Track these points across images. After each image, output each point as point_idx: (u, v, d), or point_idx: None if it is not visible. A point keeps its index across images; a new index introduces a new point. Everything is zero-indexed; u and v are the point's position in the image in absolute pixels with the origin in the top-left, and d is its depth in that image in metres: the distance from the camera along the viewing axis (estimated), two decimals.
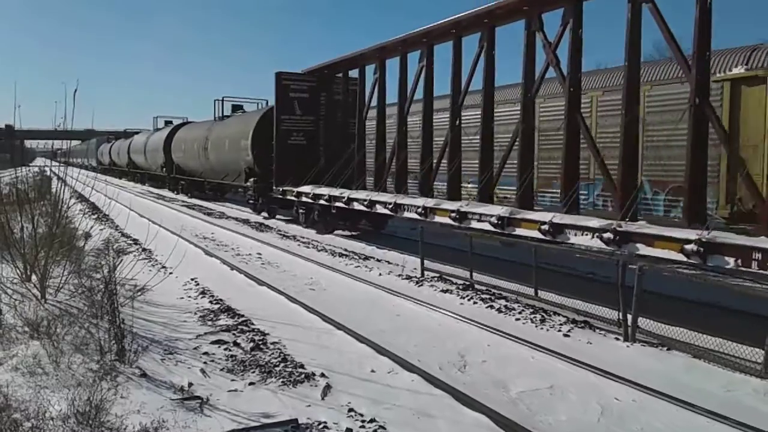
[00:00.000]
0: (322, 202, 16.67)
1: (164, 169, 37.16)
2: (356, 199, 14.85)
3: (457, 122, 13.29)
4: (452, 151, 13.28)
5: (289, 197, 18.66)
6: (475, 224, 11.00)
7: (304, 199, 17.71)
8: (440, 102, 14.87)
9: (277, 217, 21.63)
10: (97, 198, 20.95)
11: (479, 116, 12.87)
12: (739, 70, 10.22)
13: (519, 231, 10.03)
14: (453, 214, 11.35)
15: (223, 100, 29.71)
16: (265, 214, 22.19)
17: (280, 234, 17.73)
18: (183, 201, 30.76)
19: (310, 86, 19.44)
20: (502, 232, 10.32)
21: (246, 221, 21.15)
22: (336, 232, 17.45)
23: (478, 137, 12.81)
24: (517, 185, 11.41)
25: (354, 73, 17.72)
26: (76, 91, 8.71)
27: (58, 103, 10.04)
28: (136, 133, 52.17)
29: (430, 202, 12.42)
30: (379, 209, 13.99)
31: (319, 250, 14.58)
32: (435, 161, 14.08)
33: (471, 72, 12.80)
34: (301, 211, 18.70)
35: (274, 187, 19.40)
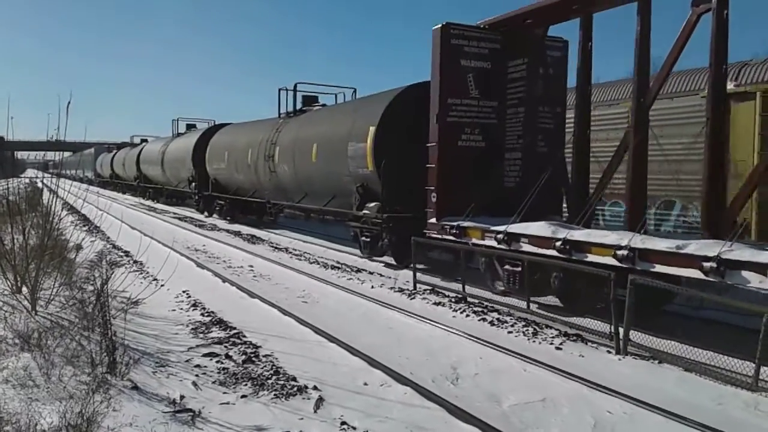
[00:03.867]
0: (601, 259, 8.25)
1: (193, 184, 28.28)
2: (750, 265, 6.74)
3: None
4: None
5: (476, 241, 10.65)
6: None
7: (525, 246, 9.47)
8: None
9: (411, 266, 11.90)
10: (89, 210, 20.91)
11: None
12: (728, 86, 10.39)
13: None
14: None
15: (295, 89, 20.80)
16: (389, 258, 14.23)
17: (272, 246, 17.70)
18: (174, 213, 30.54)
19: (493, 51, 11.70)
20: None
21: (238, 233, 21.13)
22: (337, 245, 14.61)
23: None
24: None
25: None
26: (69, 103, 8.69)
27: (51, 115, 10.04)
28: (145, 140, 44.87)
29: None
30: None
31: (311, 263, 14.56)
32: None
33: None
34: (506, 268, 9.98)
35: (432, 220, 11.65)
